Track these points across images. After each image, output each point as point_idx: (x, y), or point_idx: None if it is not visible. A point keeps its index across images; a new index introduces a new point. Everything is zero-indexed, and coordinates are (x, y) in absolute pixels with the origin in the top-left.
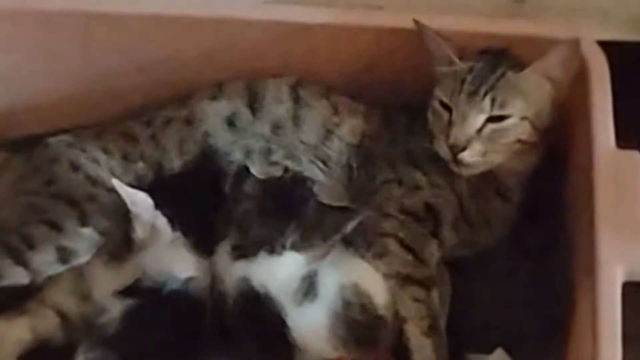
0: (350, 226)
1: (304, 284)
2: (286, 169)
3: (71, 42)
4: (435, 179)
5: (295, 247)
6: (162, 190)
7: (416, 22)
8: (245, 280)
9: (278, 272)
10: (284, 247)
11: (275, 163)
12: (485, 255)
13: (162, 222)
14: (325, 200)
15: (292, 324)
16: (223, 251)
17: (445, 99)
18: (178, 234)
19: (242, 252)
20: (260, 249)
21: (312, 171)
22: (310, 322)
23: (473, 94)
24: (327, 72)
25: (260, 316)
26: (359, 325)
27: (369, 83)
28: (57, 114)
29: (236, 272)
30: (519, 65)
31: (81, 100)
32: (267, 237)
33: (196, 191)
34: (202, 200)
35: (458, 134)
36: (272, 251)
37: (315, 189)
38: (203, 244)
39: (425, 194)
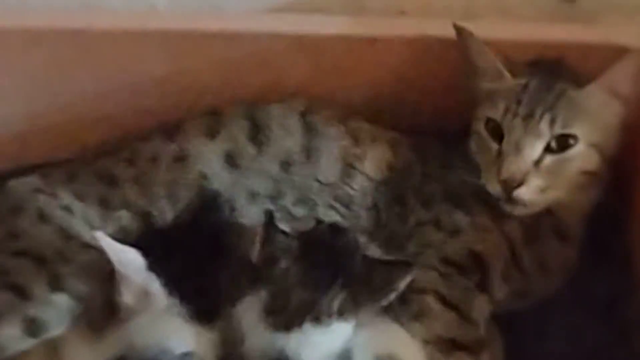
0: (404, 282)
1: (341, 356)
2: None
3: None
4: (480, 220)
5: (342, 312)
6: (153, 245)
7: (457, 27)
8: (280, 352)
9: (320, 345)
10: (330, 315)
11: (285, 209)
12: (543, 308)
13: (155, 285)
14: None
15: None
16: (250, 311)
17: (496, 122)
18: (174, 300)
19: (282, 321)
20: (304, 320)
21: (331, 217)
22: None
23: (528, 117)
24: (344, 94)
25: None
26: None
27: (395, 105)
28: (20, 147)
29: (269, 339)
30: (580, 80)
31: (51, 131)
32: (310, 303)
33: (195, 247)
34: (203, 258)
35: (512, 167)
36: (317, 320)
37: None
38: (205, 311)
39: (469, 238)
